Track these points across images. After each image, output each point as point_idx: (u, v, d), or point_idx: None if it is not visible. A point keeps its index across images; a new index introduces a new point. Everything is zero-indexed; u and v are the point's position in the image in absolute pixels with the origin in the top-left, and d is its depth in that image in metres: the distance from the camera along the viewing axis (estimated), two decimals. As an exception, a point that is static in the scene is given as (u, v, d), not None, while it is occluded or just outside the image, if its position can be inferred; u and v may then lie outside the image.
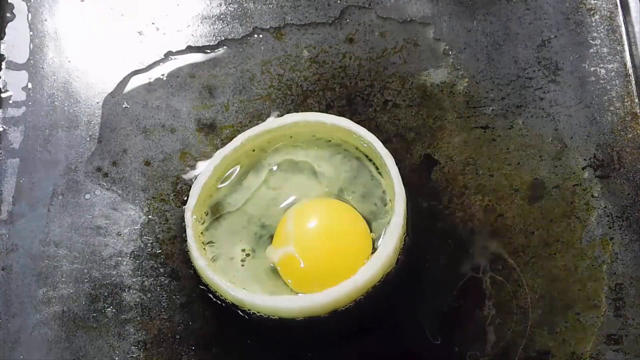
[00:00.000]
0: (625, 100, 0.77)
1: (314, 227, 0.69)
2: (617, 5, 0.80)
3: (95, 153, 0.75)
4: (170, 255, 0.71)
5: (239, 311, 0.68)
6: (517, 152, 0.75)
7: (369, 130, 0.73)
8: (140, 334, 0.69)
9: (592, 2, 0.81)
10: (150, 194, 0.73)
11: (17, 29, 0.79)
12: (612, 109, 0.76)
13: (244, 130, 0.74)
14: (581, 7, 0.81)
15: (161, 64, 0.78)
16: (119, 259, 0.71)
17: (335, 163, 0.73)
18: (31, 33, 0.79)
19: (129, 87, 0.77)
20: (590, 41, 0.79)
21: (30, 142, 0.75)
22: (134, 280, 0.70)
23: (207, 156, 0.74)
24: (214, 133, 0.76)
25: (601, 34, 0.79)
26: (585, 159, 0.74)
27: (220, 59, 0.79)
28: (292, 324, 0.68)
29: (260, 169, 0.73)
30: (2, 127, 0.75)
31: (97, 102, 0.77)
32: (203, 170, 0.73)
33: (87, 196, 0.73)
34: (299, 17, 0.80)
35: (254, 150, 0.74)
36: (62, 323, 0.69)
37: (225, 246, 0.70)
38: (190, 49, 0.79)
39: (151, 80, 0.78)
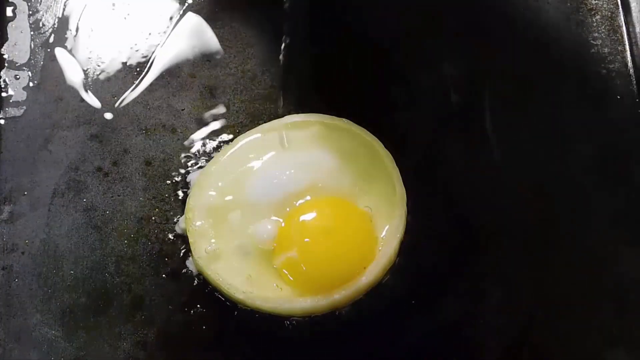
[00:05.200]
0: (626, 100, 0.77)
1: (316, 229, 0.69)
2: (618, 5, 0.80)
3: (96, 153, 0.75)
4: (170, 255, 0.71)
5: (239, 311, 0.68)
6: (517, 152, 0.75)
7: (369, 131, 0.73)
8: (140, 334, 0.69)
9: (593, 2, 0.81)
10: (150, 194, 0.73)
11: (18, 28, 0.79)
12: (612, 109, 0.76)
13: (244, 131, 0.74)
14: (582, 7, 0.81)
15: (161, 63, 0.78)
16: (119, 259, 0.71)
17: (335, 163, 0.73)
18: (32, 33, 0.79)
19: (129, 87, 0.77)
20: (591, 41, 0.79)
21: (30, 142, 0.75)
22: (134, 280, 0.70)
23: (207, 156, 0.74)
24: (215, 133, 0.76)
25: (602, 34, 0.79)
26: (585, 159, 0.74)
27: (220, 59, 0.79)
28: (292, 324, 0.68)
29: (261, 169, 0.73)
30: (2, 127, 0.75)
31: (98, 102, 0.77)
32: (203, 170, 0.73)
33: (87, 196, 0.73)
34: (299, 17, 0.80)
35: (254, 151, 0.74)
36: (62, 323, 0.69)
37: (225, 246, 0.70)
38: (190, 49, 0.79)
39: (151, 80, 0.78)
